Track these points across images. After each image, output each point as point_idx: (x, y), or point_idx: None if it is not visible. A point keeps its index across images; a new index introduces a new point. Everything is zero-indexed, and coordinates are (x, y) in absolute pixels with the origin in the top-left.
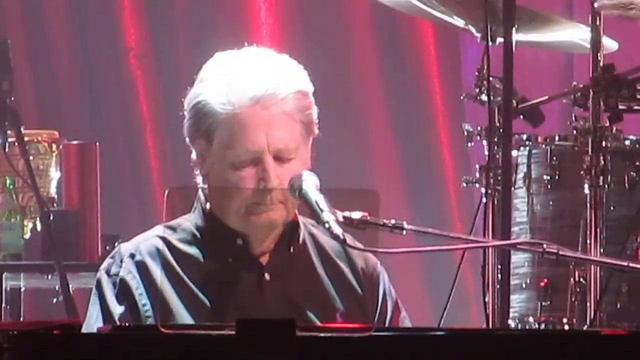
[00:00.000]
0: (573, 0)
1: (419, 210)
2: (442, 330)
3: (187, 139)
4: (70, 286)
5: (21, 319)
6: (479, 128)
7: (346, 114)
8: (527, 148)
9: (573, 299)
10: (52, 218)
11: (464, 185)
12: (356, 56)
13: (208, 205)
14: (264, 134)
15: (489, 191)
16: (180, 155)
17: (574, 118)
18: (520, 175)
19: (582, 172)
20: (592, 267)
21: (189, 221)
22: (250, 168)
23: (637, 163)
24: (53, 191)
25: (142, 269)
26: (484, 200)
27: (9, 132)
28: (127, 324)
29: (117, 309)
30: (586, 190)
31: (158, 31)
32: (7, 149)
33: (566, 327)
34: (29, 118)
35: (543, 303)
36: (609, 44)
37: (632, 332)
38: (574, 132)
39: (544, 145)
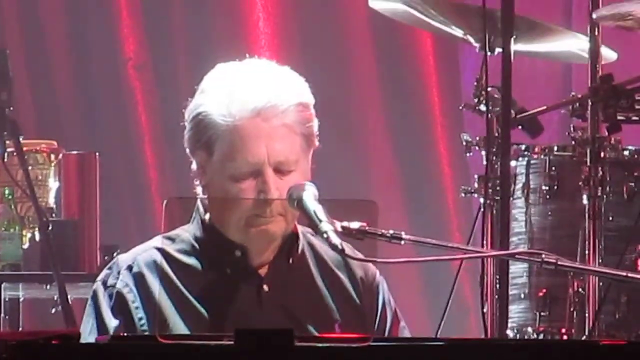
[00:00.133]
0: (572, 11)
1: (418, 220)
2: (440, 340)
3: (188, 150)
4: (69, 296)
5: (20, 329)
6: (477, 138)
7: (345, 124)
8: (526, 158)
9: (572, 309)
10: (50, 228)
11: (463, 195)
12: (355, 66)
13: (207, 216)
14: (264, 146)
15: (488, 201)
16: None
17: (572, 128)
18: (519, 186)
19: (580, 183)
20: (591, 277)
21: (188, 232)
22: (250, 180)
23: (636, 173)
24: (52, 201)
25: (139, 281)
26: (483, 210)
27: (7, 142)
28: (125, 334)
29: (112, 322)
30: (585, 201)
31: (157, 41)
32: (5, 159)
33: (565, 338)
34: (27, 128)
35: (541, 313)
36: (608, 54)
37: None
38: (573, 142)
39: (542, 156)
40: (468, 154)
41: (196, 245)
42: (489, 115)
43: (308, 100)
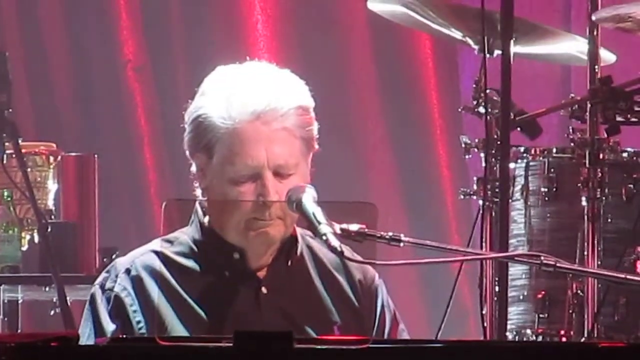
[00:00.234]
0: (571, 13)
1: (417, 223)
2: (439, 342)
3: (187, 153)
4: (68, 298)
5: (19, 330)
6: (476, 140)
7: (344, 126)
8: (525, 160)
9: (570, 311)
10: (49, 230)
11: (462, 197)
12: (353, 68)
13: (206, 219)
14: (264, 149)
15: (487, 203)
16: (178, 168)
17: (571, 130)
18: (518, 188)
19: (579, 185)
20: (590, 279)
21: (187, 234)
22: (249, 183)
23: (635, 175)
24: (51, 203)
25: (137, 284)
26: (482, 212)
27: (6, 144)
28: (124, 336)
29: (109, 326)
30: (583, 203)
31: (156, 44)
32: (4, 161)
33: (564, 340)
34: (26, 130)
35: (540, 315)
36: (607, 56)
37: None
38: (572, 144)
39: (541, 158)
40: (467, 156)
41: (195, 247)
42: (488, 117)
43: (308, 104)
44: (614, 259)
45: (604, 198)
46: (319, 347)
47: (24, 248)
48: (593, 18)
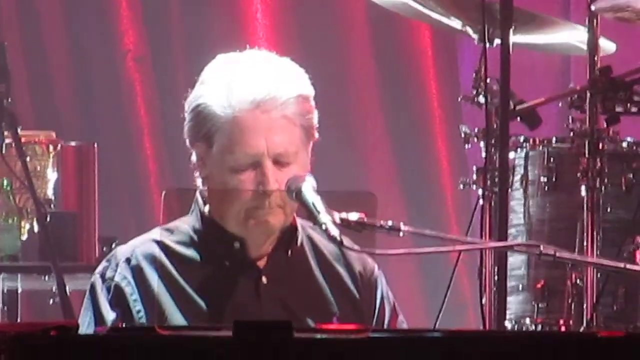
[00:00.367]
0: (570, 3)
1: (416, 212)
2: (438, 332)
3: (187, 142)
4: (67, 288)
5: (18, 320)
6: (476, 130)
7: (343, 116)
8: (524, 150)
9: (570, 301)
10: (49, 219)
11: (461, 187)
12: (353, 58)
13: (206, 208)
14: (263, 138)
15: (486, 193)
16: (178, 158)
17: (570, 120)
18: (517, 177)
19: (579, 175)
20: (589, 269)
21: (187, 224)
22: (249, 172)
23: (634, 165)
24: (50, 193)
25: (137, 273)
26: (481, 202)
27: (6, 133)
28: (124, 325)
29: (109, 315)
30: (583, 193)
31: (156, 34)
32: (4, 151)
33: (563, 329)
34: (26, 119)
35: (540, 305)
36: (606, 46)
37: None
38: (571, 134)
39: (540, 148)
40: (466, 146)
41: (195, 237)
42: (488, 107)
43: (308, 92)
44: (613, 248)
45: (603, 188)
46: (318, 336)
47: (24, 237)
48: (592, 8)
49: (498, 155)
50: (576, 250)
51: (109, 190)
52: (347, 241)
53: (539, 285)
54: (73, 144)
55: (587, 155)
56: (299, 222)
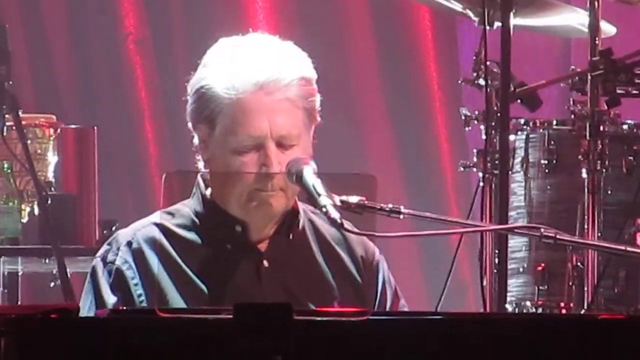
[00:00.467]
0: None
1: (416, 195)
2: (439, 314)
3: (190, 124)
4: (68, 270)
5: (19, 302)
6: (476, 112)
7: (343, 98)
8: (525, 132)
9: (570, 284)
10: (49, 202)
11: (461, 169)
12: (353, 41)
13: (208, 191)
14: (266, 119)
15: (487, 175)
16: (179, 141)
17: (571, 102)
18: (518, 160)
19: (579, 157)
20: (590, 251)
21: (188, 207)
22: (252, 154)
23: (635, 147)
24: (51, 175)
25: (138, 257)
26: (481, 184)
27: (6, 116)
28: (124, 308)
29: (110, 299)
30: (584, 175)
31: (157, 16)
32: (4, 133)
33: (563, 312)
34: (26, 102)
35: (540, 287)
36: (607, 29)
37: (630, 317)
38: (572, 116)
39: (541, 130)
40: (467, 129)
41: (196, 220)
42: (488, 89)
43: (311, 75)
44: (614, 231)
45: (604, 170)
46: (318, 319)
47: (24, 220)
48: None
49: (498, 137)
50: (577, 232)
51: (110, 173)
52: (347, 224)
53: (539, 268)
54: (73, 127)
55: (587, 138)
56: (301, 206)
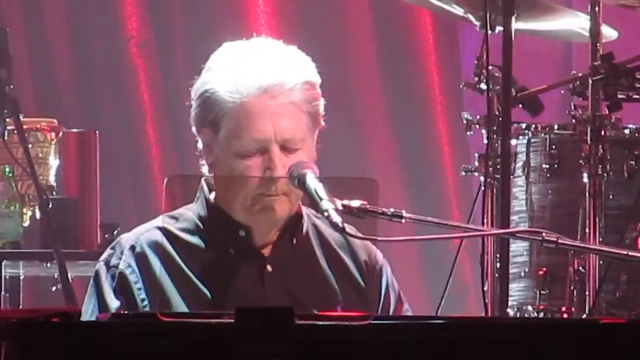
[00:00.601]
0: None
1: (418, 199)
2: (440, 318)
3: (194, 128)
4: (69, 274)
5: (20, 306)
6: (477, 117)
7: (344, 102)
8: (526, 137)
9: (572, 288)
10: (51, 206)
11: (463, 173)
12: (354, 45)
13: (212, 196)
14: (271, 123)
15: (488, 180)
16: (181, 145)
17: (573, 107)
18: (519, 164)
19: (581, 161)
20: (591, 256)
21: (192, 211)
22: (256, 157)
23: (636, 152)
24: (52, 179)
25: (141, 261)
26: (483, 188)
27: (8, 120)
28: (126, 312)
29: (113, 303)
30: (585, 179)
31: (159, 20)
32: (6, 137)
33: (565, 316)
34: (28, 106)
35: (542, 292)
36: (608, 33)
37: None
38: (573, 121)
39: (543, 134)
40: (468, 133)
41: (200, 224)
42: (490, 93)
43: (315, 80)
44: (616, 235)
45: (605, 175)
46: (320, 323)
47: (26, 224)
48: None
49: (500, 142)
50: (578, 237)
51: (112, 177)
52: (349, 228)
53: (541, 272)
54: (75, 130)
55: (589, 142)
56: (305, 210)
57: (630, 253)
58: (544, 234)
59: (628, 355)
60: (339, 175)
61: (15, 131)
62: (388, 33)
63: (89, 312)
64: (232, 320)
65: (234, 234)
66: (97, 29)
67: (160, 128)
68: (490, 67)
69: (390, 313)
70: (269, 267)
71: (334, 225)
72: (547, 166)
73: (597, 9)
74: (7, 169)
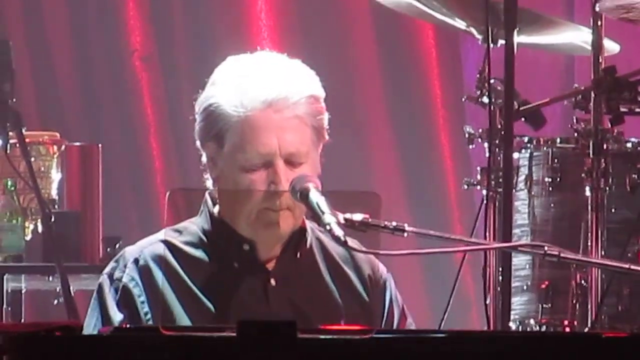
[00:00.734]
0: (574, 3)
1: (420, 213)
2: (443, 332)
3: (198, 142)
4: (71, 288)
5: (22, 320)
6: (480, 130)
7: (347, 116)
8: (529, 150)
9: (574, 302)
10: (53, 220)
11: (465, 187)
12: (357, 58)
13: (216, 209)
14: (275, 137)
15: (490, 193)
16: (184, 158)
17: (575, 120)
18: (522, 178)
19: (583, 175)
20: (594, 269)
21: (196, 224)
22: (261, 171)
23: (639, 165)
24: (54, 193)
25: (145, 274)
26: (485, 202)
27: (10, 133)
28: (128, 326)
29: (117, 316)
30: (587, 193)
31: (162, 33)
32: (8, 151)
33: (567, 330)
34: (30, 119)
35: (544, 305)
36: (610, 46)
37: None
38: (575, 134)
39: (545, 148)
40: (470, 146)
41: (204, 238)
42: (492, 107)
43: (319, 94)
44: (618, 249)
45: (607, 188)
46: (322, 337)
47: (28, 237)
48: (597, 8)
49: (502, 155)
50: (580, 250)
51: (114, 190)
52: (352, 242)
53: (543, 286)
54: (77, 144)
55: (591, 156)
56: (308, 224)
57: (633, 267)
58: (546, 248)
59: None
60: (341, 189)
61: (18, 144)
62: (391, 46)
63: (91, 325)
64: (235, 334)
65: (238, 248)
66: (100, 43)
67: (163, 141)
68: (492, 81)
69: (394, 327)
70: (272, 281)
71: (336, 239)
72: (550, 179)
73: (599, 22)
74: (10, 182)
